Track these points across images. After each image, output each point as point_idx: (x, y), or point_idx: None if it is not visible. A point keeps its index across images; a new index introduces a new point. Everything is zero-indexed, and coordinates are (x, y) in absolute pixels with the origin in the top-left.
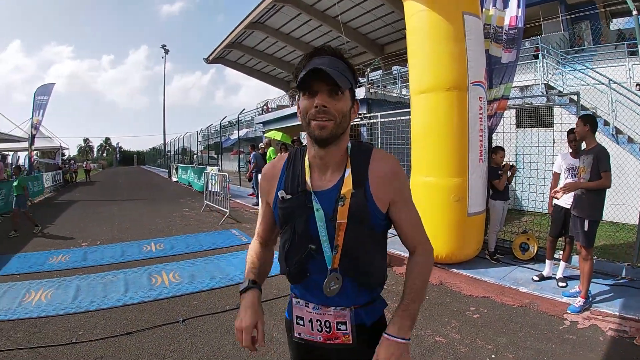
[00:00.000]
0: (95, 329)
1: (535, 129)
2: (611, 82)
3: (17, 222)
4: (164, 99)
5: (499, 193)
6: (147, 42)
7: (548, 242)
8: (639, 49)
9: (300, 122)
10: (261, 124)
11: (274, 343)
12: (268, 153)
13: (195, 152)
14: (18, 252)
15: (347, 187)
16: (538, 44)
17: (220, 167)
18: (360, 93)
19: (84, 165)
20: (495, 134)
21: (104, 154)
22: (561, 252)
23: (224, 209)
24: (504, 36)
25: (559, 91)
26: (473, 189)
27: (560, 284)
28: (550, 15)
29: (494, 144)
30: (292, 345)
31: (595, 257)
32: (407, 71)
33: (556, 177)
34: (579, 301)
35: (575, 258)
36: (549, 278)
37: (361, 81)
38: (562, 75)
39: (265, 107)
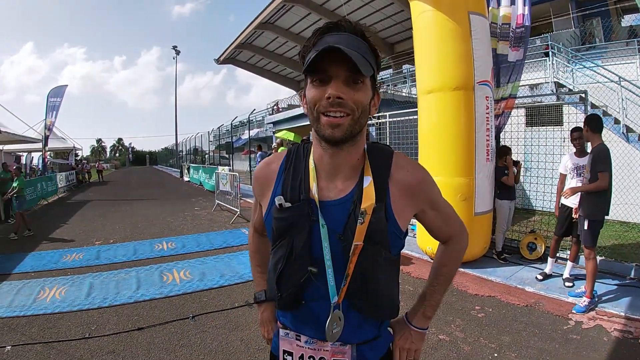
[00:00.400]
0: (108, 324)
1: (545, 127)
2: (621, 79)
3: (19, 224)
4: (176, 100)
5: (505, 193)
6: (158, 43)
7: (553, 240)
8: None
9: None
10: (271, 124)
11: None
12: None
13: (207, 152)
14: (33, 251)
15: (369, 200)
16: (548, 41)
17: (231, 167)
18: None
19: (97, 165)
20: (503, 132)
21: (117, 154)
22: (568, 252)
23: (235, 209)
24: (511, 34)
25: (569, 89)
26: (480, 189)
27: (567, 283)
28: (560, 12)
29: (503, 143)
30: None
31: (603, 257)
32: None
33: (562, 177)
34: (584, 301)
35: (582, 258)
36: (551, 276)
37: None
38: (572, 73)
39: (275, 107)
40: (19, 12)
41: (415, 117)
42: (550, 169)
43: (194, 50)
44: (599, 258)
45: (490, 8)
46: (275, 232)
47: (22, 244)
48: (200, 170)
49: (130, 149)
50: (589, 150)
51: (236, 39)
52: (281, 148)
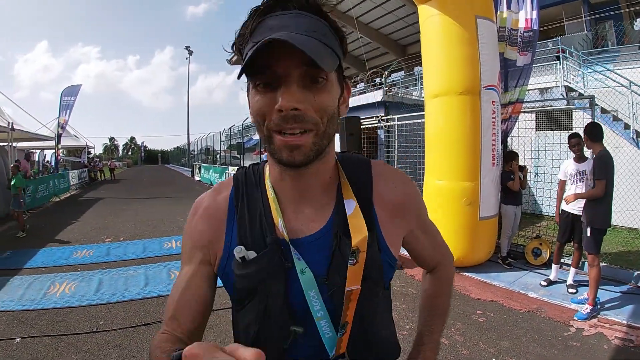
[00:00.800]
0: (115, 319)
1: (555, 132)
2: (632, 84)
3: (22, 222)
4: (188, 100)
5: (510, 198)
6: (172, 43)
7: (555, 247)
8: None
9: None
10: None
11: None
12: None
13: (219, 151)
14: (44, 247)
15: (359, 232)
16: (559, 44)
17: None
18: (378, 96)
19: (109, 163)
20: (511, 137)
21: (129, 153)
22: (571, 258)
23: None
24: (519, 39)
25: (580, 94)
26: (485, 193)
27: (570, 290)
28: (573, 15)
29: (512, 147)
30: None
31: (607, 264)
32: None
33: (562, 184)
34: (586, 308)
35: (586, 264)
36: (556, 282)
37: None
38: (584, 77)
39: None
40: (33, 11)
41: (423, 120)
42: None
43: (207, 50)
44: (602, 264)
45: (498, 12)
46: (239, 292)
47: (32, 240)
48: (211, 170)
49: (142, 148)
50: (587, 155)
51: None
52: None
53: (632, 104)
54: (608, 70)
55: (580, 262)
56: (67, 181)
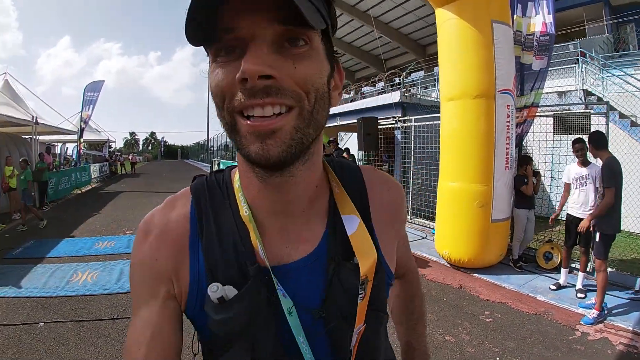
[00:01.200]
0: None
1: (573, 136)
2: None
3: (36, 213)
4: (208, 97)
5: (522, 201)
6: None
7: (563, 251)
8: None
9: (343, 122)
10: None
11: None
12: None
13: None
14: (66, 237)
15: (367, 256)
16: (578, 47)
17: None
18: (395, 97)
19: (130, 158)
20: (530, 140)
21: (149, 147)
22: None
23: None
24: (535, 43)
25: (598, 98)
26: (498, 196)
27: (579, 295)
28: (593, 17)
29: (530, 151)
30: None
31: (618, 270)
32: None
33: (567, 187)
34: (593, 313)
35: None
36: (565, 287)
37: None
38: (603, 81)
39: None
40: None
41: (439, 122)
42: None
43: None
44: (610, 270)
45: (515, 17)
46: (215, 338)
47: (54, 230)
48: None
49: (162, 143)
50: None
51: None
52: None
53: None
54: (627, 74)
55: (590, 267)
56: (88, 174)
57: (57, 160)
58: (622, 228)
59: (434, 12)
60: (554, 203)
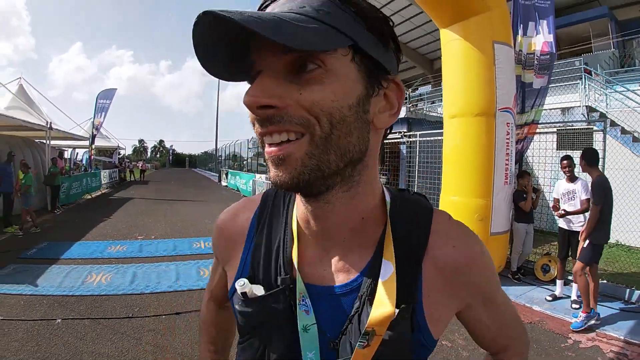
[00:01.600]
0: (149, 308)
1: (576, 151)
2: None
3: (33, 219)
4: (218, 106)
5: (521, 216)
6: None
7: (558, 263)
8: None
9: None
10: None
11: None
12: None
13: (245, 158)
14: (79, 240)
15: (383, 307)
16: (582, 63)
17: (268, 175)
18: (401, 112)
19: (140, 165)
20: (532, 156)
21: (158, 155)
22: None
23: None
24: (536, 62)
25: (601, 114)
26: (497, 210)
27: (574, 305)
28: (599, 33)
29: (533, 166)
30: None
31: (614, 283)
32: None
33: (556, 201)
34: (581, 316)
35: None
36: (561, 298)
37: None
38: (607, 97)
39: None
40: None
41: (442, 137)
42: None
43: None
44: (602, 281)
45: (517, 36)
46: (241, 327)
47: (66, 233)
48: (237, 176)
49: (171, 151)
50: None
51: None
52: None
53: None
54: (629, 90)
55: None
56: (98, 180)
57: (67, 165)
58: (622, 242)
59: None
60: (555, 218)
